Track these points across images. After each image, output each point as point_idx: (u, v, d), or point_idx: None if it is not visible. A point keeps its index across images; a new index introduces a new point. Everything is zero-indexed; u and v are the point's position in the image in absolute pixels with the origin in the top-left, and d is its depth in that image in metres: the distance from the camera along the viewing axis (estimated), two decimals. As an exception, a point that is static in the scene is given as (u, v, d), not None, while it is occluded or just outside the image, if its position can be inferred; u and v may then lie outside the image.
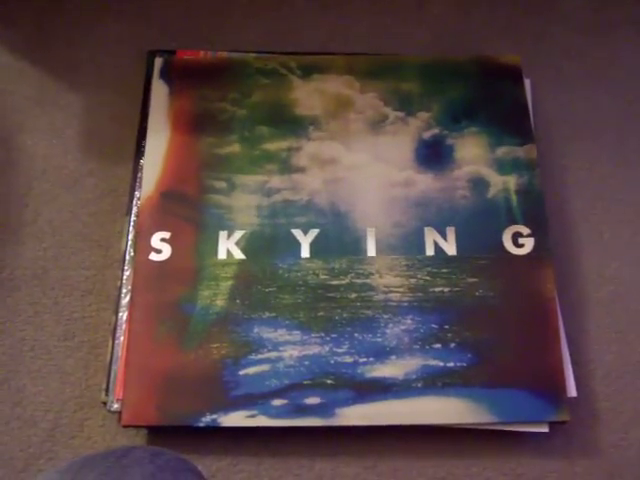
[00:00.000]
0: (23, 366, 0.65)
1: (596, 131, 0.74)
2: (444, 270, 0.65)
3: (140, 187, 0.68)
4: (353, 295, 0.64)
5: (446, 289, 0.64)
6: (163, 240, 0.66)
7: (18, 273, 0.68)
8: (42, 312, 0.66)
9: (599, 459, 0.62)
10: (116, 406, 0.61)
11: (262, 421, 0.60)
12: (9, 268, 0.68)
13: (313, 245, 0.66)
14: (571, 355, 0.63)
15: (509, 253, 0.65)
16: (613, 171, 0.73)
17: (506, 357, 0.62)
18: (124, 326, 0.64)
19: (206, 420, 0.60)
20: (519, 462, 0.62)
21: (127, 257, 0.66)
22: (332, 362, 0.62)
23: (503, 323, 0.63)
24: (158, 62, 0.73)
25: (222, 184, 0.68)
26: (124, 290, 0.65)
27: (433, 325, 0.63)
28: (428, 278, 0.65)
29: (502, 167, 0.68)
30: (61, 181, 0.71)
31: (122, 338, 0.63)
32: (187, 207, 0.67)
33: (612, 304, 0.67)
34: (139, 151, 0.70)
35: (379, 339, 0.63)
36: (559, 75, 0.77)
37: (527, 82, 0.73)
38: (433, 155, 0.69)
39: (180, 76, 0.72)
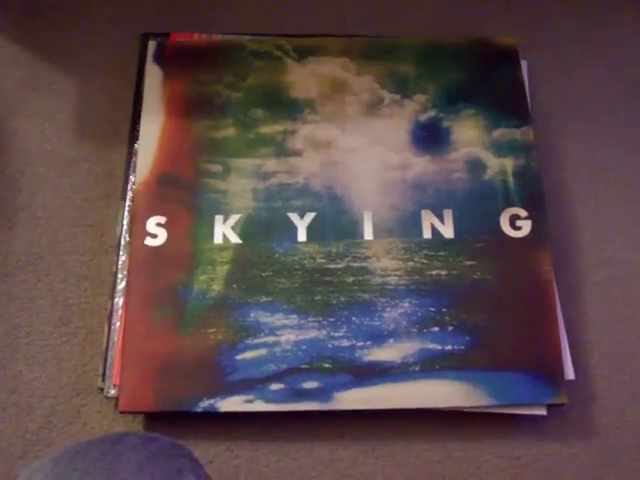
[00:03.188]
0: (19, 353, 0.64)
1: (594, 113, 0.74)
2: (441, 253, 0.65)
3: (135, 171, 0.67)
4: (350, 279, 0.64)
5: (443, 272, 0.64)
6: (159, 225, 0.65)
7: (12, 259, 0.67)
8: (37, 298, 0.66)
9: (596, 441, 0.62)
10: (113, 392, 0.61)
11: (260, 406, 0.60)
12: (3, 254, 0.67)
13: (310, 229, 0.65)
14: (568, 338, 0.63)
15: (506, 236, 0.65)
16: (611, 153, 0.72)
17: (504, 340, 0.62)
18: (120, 312, 0.63)
19: (203, 405, 0.60)
20: (517, 445, 0.62)
21: (122, 242, 0.66)
22: (329, 346, 0.62)
23: (501, 306, 0.63)
24: (152, 45, 0.72)
25: (217, 168, 0.67)
26: (120, 275, 0.65)
27: (431, 308, 0.63)
28: (425, 261, 0.64)
29: (499, 149, 0.68)
30: (55, 166, 0.71)
31: (118, 324, 0.63)
32: (182, 191, 0.66)
33: (609, 286, 0.67)
34: (133, 135, 0.70)
35: (377, 323, 0.62)
36: (556, 57, 0.76)
37: (524, 64, 0.72)
38: (430, 138, 0.69)
39: (174, 59, 0.72)
